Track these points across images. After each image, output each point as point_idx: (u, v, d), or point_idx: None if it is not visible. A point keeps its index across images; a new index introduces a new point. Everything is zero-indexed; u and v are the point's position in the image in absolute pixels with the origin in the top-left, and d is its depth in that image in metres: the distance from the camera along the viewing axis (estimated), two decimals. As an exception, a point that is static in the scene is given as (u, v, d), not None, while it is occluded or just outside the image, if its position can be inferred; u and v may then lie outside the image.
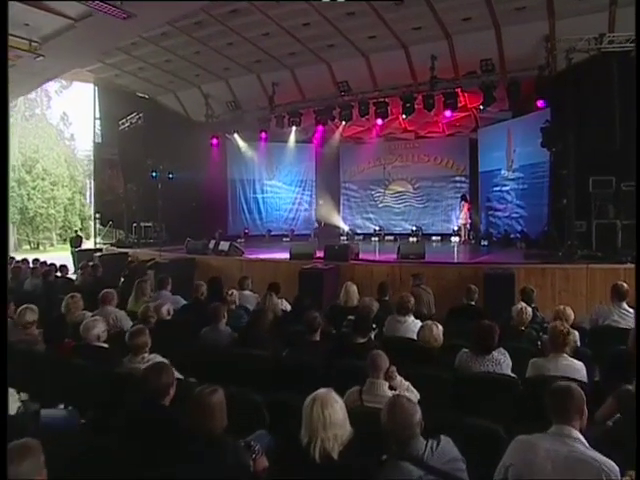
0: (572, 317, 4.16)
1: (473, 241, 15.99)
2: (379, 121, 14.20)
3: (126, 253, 13.96)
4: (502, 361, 3.45)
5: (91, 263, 8.27)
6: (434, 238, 17.32)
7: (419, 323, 4.50)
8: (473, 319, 4.86)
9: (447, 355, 3.70)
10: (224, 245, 11.32)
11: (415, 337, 4.25)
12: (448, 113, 13.23)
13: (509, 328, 4.22)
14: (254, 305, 6.20)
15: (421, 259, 9.55)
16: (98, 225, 18.78)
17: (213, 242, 11.81)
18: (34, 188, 31.06)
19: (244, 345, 4.06)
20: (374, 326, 4.73)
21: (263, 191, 18.89)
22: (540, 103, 11.89)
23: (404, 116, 13.77)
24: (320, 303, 8.53)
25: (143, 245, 15.78)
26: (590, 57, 9.27)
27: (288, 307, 6.36)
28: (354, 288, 5.75)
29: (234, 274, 10.83)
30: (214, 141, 17.30)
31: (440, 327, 3.66)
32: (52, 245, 34.46)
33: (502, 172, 15.32)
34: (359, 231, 19.27)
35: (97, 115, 18.77)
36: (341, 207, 19.75)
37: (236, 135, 17.17)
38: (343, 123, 14.86)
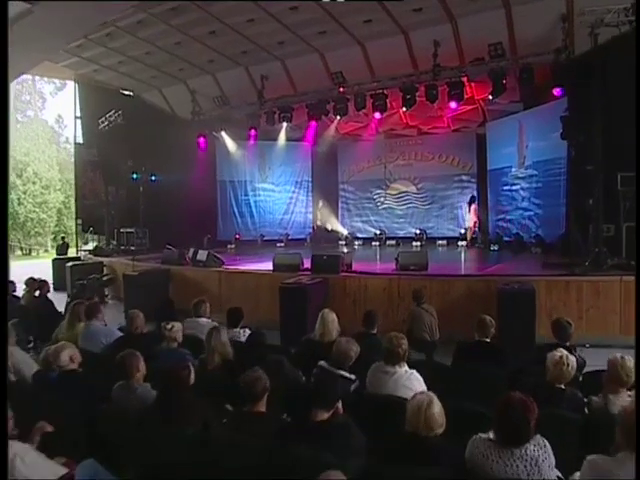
0: (632, 369, 2.86)
1: (482, 245, 14.67)
2: (377, 115, 12.92)
3: (101, 262, 12.75)
4: (540, 459, 2.17)
5: (38, 278, 7.02)
6: (439, 242, 16.00)
7: (414, 375, 3.24)
8: (488, 363, 3.58)
9: (452, 441, 2.42)
10: (202, 255, 10.10)
11: (408, 395, 3.00)
12: (453, 105, 11.93)
13: (542, 386, 2.94)
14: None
15: (423, 270, 8.28)
16: (81, 231, 17.66)
17: (192, 251, 10.59)
18: (25, 192, 30.04)
19: (162, 415, 2.79)
20: (353, 377, 3.46)
21: (255, 193, 17.66)
22: (557, 91, 10.56)
23: (404, 109, 12.49)
24: (304, 326, 7.27)
25: (124, 253, 14.58)
26: (620, 34, 7.93)
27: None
28: (332, 317, 4.48)
29: (211, 288, 9.65)
30: (201, 140, 16.06)
31: (438, 406, 2.37)
32: (46, 251, 33.44)
33: (513, 170, 13.99)
34: (359, 235, 18.00)
35: (78, 114, 17.61)
36: (339, 209, 18.48)
37: (224, 133, 15.96)
38: (338, 118, 13.59)
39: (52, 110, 45.93)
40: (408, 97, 12.14)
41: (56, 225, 32.33)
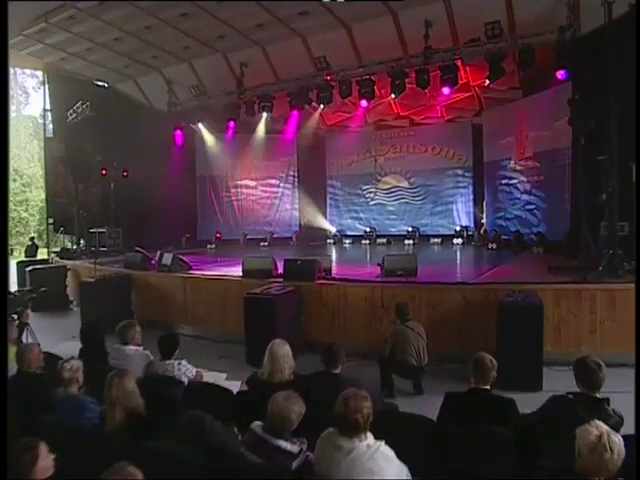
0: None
1: (479, 244, 13.67)
2: (364, 103, 11.89)
3: (64, 267, 11.68)
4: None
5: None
6: (433, 240, 15.01)
7: (380, 452, 2.22)
8: (488, 426, 2.57)
9: None
10: (167, 258, 9.06)
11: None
12: (446, 90, 10.90)
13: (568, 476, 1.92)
14: (141, 370, 3.94)
15: (412, 276, 7.27)
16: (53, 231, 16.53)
17: (159, 254, 9.54)
18: (4, 190, 28.80)
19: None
20: (296, 449, 2.44)
21: (237, 189, 16.61)
22: (560, 74, 9.53)
23: (393, 95, 11.43)
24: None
25: (93, 255, 13.49)
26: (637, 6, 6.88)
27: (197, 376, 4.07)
28: (284, 350, 3.45)
29: (176, 296, 8.63)
30: (177, 133, 15.01)
31: None
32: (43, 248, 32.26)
33: (512, 162, 12.95)
34: (348, 233, 16.99)
35: (48, 106, 16.46)
36: (327, 206, 17.44)
37: (201, 125, 14.86)
38: (321, 107, 12.52)
39: (38, 104, 44.47)
40: (397, 83, 11.11)
41: (39, 224, 31.13)
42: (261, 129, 14.96)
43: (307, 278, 7.16)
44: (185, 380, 3.96)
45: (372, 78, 11.63)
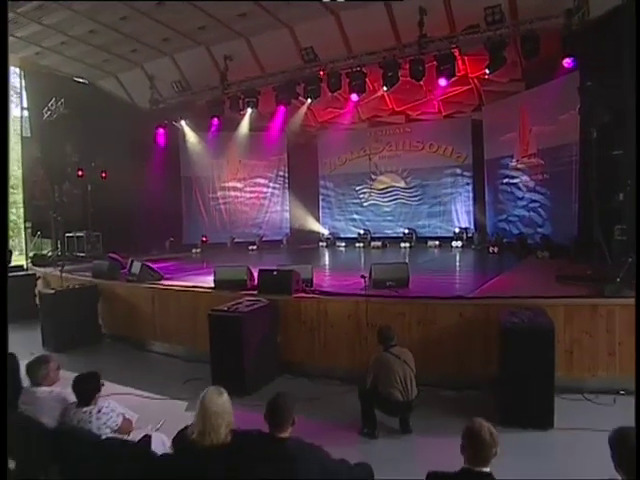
0: None
1: (479, 246, 12.84)
2: (354, 97, 11.06)
3: (34, 275, 10.88)
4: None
5: None
6: (431, 243, 14.18)
7: None
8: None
9: None
10: (136, 267, 8.24)
11: None
12: (443, 82, 10.07)
13: None
14: (56, 418, 3.13)
15: (403, 287, 6.44)
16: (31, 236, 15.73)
17: (130, 261, 8.73)
18: (-9, 193, 28.06)
19: None
20: None
21: (224, 190, 15.78)
22: (567, 62, 8.71)
23: (385, 88, 10.61)
24: (240, 370, 5.44)
25: (70, 261, 12.69)
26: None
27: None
28: (221, 402, 2.59)
29: (144, 309, 7.82)
30: (160, 131, 14.22)
31: None
32: (21, 253, 31.53)
33: (514, 159, 12.11)
34: (342, 235, 16.18)
35: (25, 104, 15.67)
36: (319, 207, 16.62)
37: (184, 123, 14.05)
38: (309, 101, 11.69)
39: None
40: (389, 74, 10.30)
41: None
42: (245, 126, 14.09)
43: (283, 291, 6.34)
44: (106, 432, 3.14)
45: (363, 70, 10.82)
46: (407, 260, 12.69)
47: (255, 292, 6.65)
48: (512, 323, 4.49)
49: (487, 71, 9.54)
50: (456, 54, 10.07)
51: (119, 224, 13.71)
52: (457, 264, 10.50)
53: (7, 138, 4.87)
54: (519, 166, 11.90)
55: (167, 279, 8.49)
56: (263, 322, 5.93)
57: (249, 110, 12.33)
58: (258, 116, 14.14)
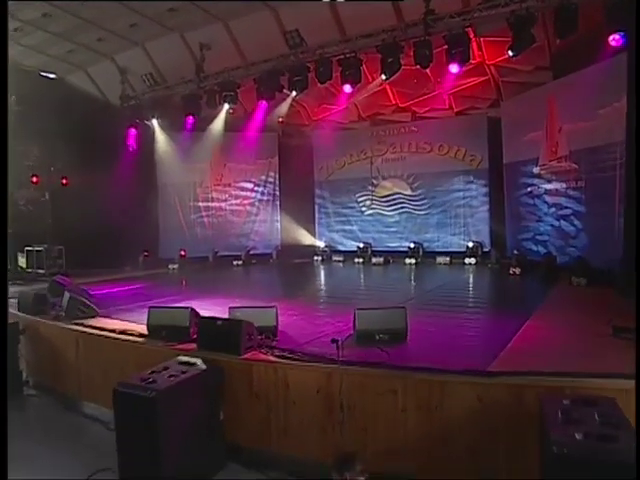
0: None
1: (497, 265, 10.94)
2: (347, 88, 9.24)
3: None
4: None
5: None
6: (440, 259, 12.29)
7: None
8: None
9: None
10: (65, 298, 6.54)
11: None
12: (454, 68, 8.24)
13: None
14: None
15: (399, 342, 4.62)
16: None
17: (65, 290, 7.03)
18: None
19: None
20: None
21: (207, 198, 14.05)
22: (615, 40, 6.84)
23: (384, 77, 8.80)
24: (157, 470, 3.67)
25: (23, 280, 11.06)
26: None
27: None
28: None
29: (68, 356, 6.08)
30: (131, 131, 12.57)
31: None
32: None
33: (540, 164, 10.19)
34: (340, 248, 14.37)
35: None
36: (315, 216, 14.83)
37: (155, 122, 12.37)
38: (293, 93, 9.91)
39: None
40: (389, 60, 8.48)
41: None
42: (220, 125, 12.32)
43: (230, 349, 4.55)
44: None
45: (358, 56, 9.02)
46: (412, 278, 10.96)
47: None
48: (567, 443, 2.62)
49: (510, 53, 7.65)
50: (470, 34, 8.23)
51: (86, 237, 12.10)
52: (471, 291, 8.57)
53: (6, 137, 4.64)
54: (547, 171, 9.96)
55: (109, 315, 6.76)
56: (195, 398, 4.14)
57: (226, 106, 10.57)
58: (244, 114, 12.46)
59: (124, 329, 5.77)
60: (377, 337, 4.79)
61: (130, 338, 5.46)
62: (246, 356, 4.55)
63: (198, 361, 4.45)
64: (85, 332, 5.95)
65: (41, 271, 11.76)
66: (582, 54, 8.35)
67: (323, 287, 9.45)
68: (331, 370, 4.08)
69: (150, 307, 5.61)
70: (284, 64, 9.67)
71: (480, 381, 3.75)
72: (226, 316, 5.24)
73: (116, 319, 6.55)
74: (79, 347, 5.96)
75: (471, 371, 3.84)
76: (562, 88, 9.36)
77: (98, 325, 6.11)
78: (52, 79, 13.80)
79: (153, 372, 4.23)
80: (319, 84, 9.46)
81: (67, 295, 6.62)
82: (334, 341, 3.85)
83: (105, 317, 6.65)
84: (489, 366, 4.01)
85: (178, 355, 4.74)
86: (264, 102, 10.23)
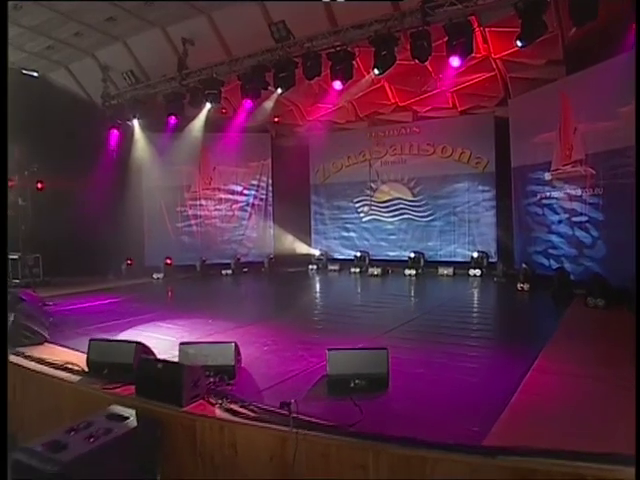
0: None
1: (503, 279, 10.01)
2: (337, 85, 8.37)
3: None
4: None
5: None
6: (442, 270, 11.39)
7: None
8: None
9: None
10: (10, 318, 5.77)
11: None
12: (456, 62, 7.34)
13: None
14: None
15: (377, 393, 3.77)
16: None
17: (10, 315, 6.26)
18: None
19: None
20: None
21: (195, 202, 13.26)
22: (640, 27, 5.88)
23: (376, 71, 7.90)
24: None
25: None
26: None
27: None
28: None
29: (9, 392, 5.23)
30: (113, 132, 11.83)
31: None
32: None
33: (552, 168, 9.24)
34: (336, 256, 13.51)
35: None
36: (310, 222, 13.99)
37: (136, 122, 11.62)
38: (279, 91, 9.06)
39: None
40: (383, 53, 7.60)
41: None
42: (198, 125, 11.48)
43: (171, 398, 3.72)
44: None
45: (349, 49, 8.16)
46: (410, 293, 10.08)
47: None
48: None
49: (518, 44, 6.75)
50: (473, 23, 7.33)
51: (66, 244, 11.43)
52: (473, 313, 7.61)
53: (6, 137, 4.54)
54: (560, 176, 9.01)
55: (61, 341, 5.98)
56: (121, 463, 3.32)
57: (207, 106, 9.78)
58: (234, 113, 11.66)
59: (67, 362, 4.96)
60: (353, 384, 3.93)
61: (67, 376, 4.66)
62: (190, 408, 3.72)
63: (133, 414, 3.64)
64: (21, 365, 5.16)
65: (16, 281, 11.06)
66: (600, 46, 7.43)
67: (311, 304, 8.59)
68: (286, 435, 3.23)
69: (91, 340, 4.79)
70: (269, 59, 8.82)
71: (474, 460, 2.88)
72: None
73: (66, 347, 5.76)
74: (16, 381, 5.18)
75: (462, 447, 2.96)
76: (578, 84, 8.41)
77: (40, 356, 5.32)
78: (34, 77, 13.14)
79: (72, 430, 3.44)
80: (307, 80, 8.60)
81: (11, 318, 5.84)
82: (284, 405, 3.00)
83: (54, 344, 5.88)
84: (487, 434, 3.14)
85: (115, 401, 3.96)
86: (248, 100, 9.37)
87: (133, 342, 4.58)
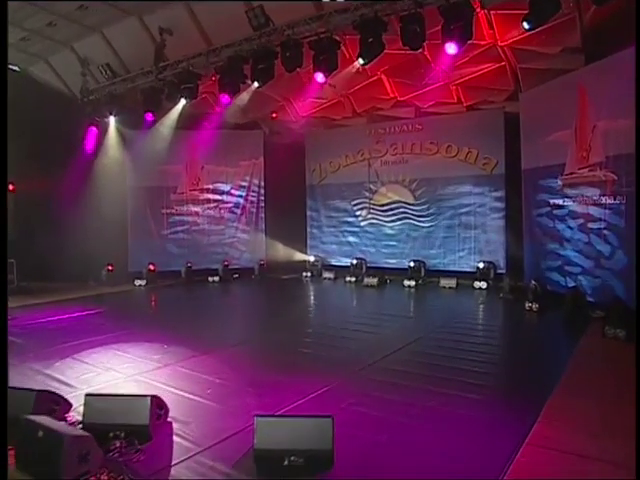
0: None
1: (510, 296, 8.95)
2: (320, 77, 7.42)
3: None
4: None
5: None
6: (445, 282, 10.38)
7: None
8: None
9: None
10: None
11: None
12: (452, 49, 6.33)
13: None
14: None
15: (321, 472, 2.88)
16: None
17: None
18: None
19: None
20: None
21: (182, 204, 12.46)
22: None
23: (361, 61, 6.94)
24: None
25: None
26: None
27: None
28: None
29: None
30: (92, 130, 11.11)
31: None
32: None
33: (566, 172, 8.14)
34: (333, 262, 12.60)
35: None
36: (305, 226, 13.09)
37: (112, 119, 10.86)
38: (255, 85, 8.15)
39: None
40: (370, 40, 6.63)
41: None
42: (171, 121, 10.63)
43: (51, 476, 2.87)
44: None
45: (334, 37, 7.21)
46: (408, 310, 9.11)
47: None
48: None
49: (525, 26, 5.71)
50: (475, 6, 6.31)
51: (42, 249, 10.79)
52: (474, 341, 6.53)
53: (6, 137, 4.39)
54: (580, 180, 7.90)
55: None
56: None
57: (182, 101, 8.95)
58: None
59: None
60: (287, 461, 3.03)
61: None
62: (73, 490, 2.88)
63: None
64: None
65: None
66: (624, 29, 6.30)
67: (293, 323, 7.67)
68: None
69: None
70: (247, 49, 7.92)
71: None
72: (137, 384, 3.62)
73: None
74: None
75: None
76: (598, 75, 7.29)
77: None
78: (15, 71, 12.49)
79: None
80: (287, 72, 7.67)
81: None
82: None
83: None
84: None
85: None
86: (225, 95, 8.49)
87: (33, 390, 3.74)
